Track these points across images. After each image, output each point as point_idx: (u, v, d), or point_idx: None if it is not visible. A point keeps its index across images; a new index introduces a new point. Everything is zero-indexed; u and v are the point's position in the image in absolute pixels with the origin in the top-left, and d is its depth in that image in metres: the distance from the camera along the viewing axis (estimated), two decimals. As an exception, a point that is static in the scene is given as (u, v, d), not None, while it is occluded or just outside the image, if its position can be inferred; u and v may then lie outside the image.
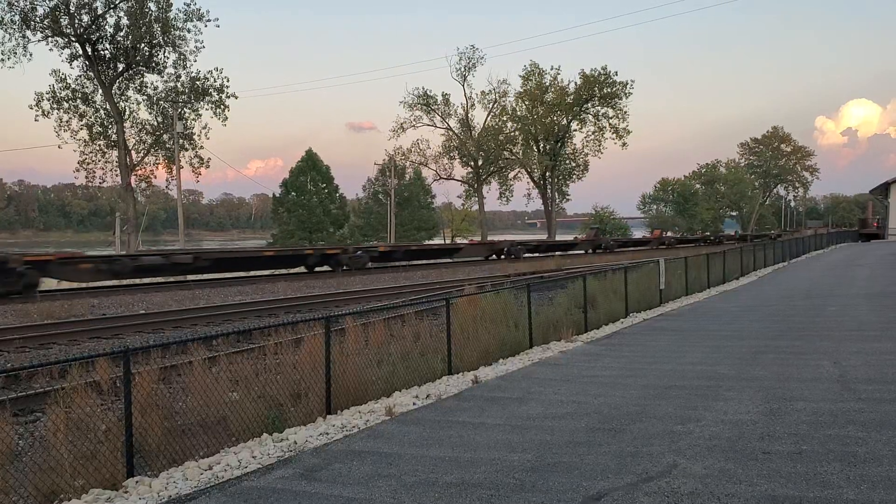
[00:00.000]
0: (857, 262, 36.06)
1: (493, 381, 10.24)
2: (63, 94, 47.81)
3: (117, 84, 48.68)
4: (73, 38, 46.20)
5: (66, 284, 28.40)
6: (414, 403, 8.98)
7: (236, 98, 52.18)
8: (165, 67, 49.52)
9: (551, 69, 78.92)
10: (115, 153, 49.02)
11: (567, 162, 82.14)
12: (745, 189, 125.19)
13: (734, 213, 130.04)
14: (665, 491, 5.62)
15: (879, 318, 15.62)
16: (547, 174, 79.37)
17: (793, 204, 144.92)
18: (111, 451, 6.56)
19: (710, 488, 5.64)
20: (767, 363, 10.88)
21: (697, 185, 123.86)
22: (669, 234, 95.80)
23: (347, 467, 6.47)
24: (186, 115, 50.48)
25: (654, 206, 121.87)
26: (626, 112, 77.56)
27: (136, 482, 6.29)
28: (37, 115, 47.50)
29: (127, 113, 49.56)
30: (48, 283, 27.42)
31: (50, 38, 46.01)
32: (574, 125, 79.28)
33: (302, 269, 37.60)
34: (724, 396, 8.78)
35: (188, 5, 48.56)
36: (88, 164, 49.95)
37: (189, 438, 7.52)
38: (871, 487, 5.58)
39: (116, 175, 49.81)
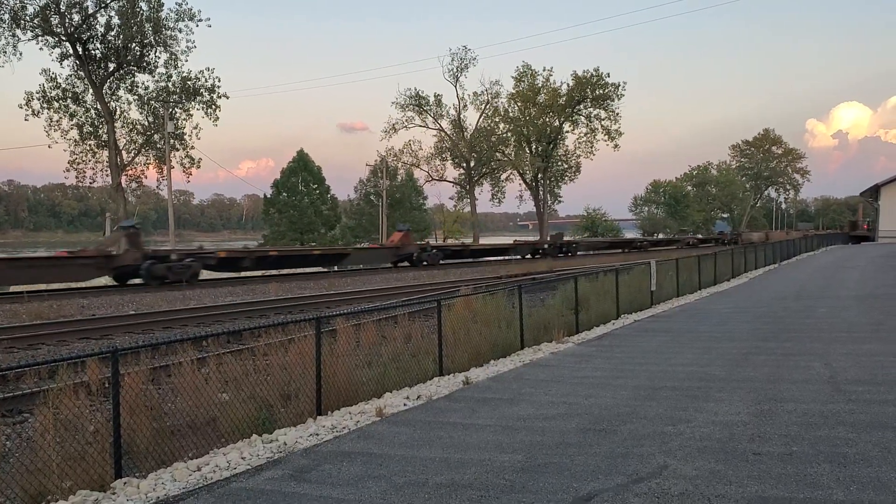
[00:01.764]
0: (848, 264, 36.22)
1: (485, 382, 10.23)
2: (53, 93, 47.69)
3: (108, 84, 48.57)
4: (64, 38, 46.05)
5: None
6: (405, 404, 8.96)
7: (227, 98, 52.28)
8: (157, 67, 49.50)
9: (544, 70, 79.13)
10: (106, 153, 48.93)
11: (559, 163, 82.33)
12: (737, 191, 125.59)
13: (725, 215, 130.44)
14: (655, 492, 5.61)
15: (869, 320, 15.68)
16: (539, 176, 79.54)
17: (784, 206, 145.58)
18: (99, 453, 6.51)
19: (701, 489, 5.64)
20: (758, 364, 10.90)
21: (689, 187, 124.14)
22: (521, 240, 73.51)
23: (337, 468, 6.45)
24: (177, 115, 50.40)
25: (646, 208, 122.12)
26: (618, 114, 77.89)
27: (125, 483, 6.25)
28: (27, 115, 47.40)
29: (118, 113, 49.45)
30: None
31: (40, 37, 45.88)
32: (566, 127, 79.53)
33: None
34: (715, 397, 8.79)
35: (180, 5, 48.59)
36: (79, 163, 49.85)
37: (178, 439, 7.48)
38: (861, 488, 5.59)
39: (107, 175, 49.74)
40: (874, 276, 28.39)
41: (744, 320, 16.30)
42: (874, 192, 75.28)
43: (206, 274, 32.97)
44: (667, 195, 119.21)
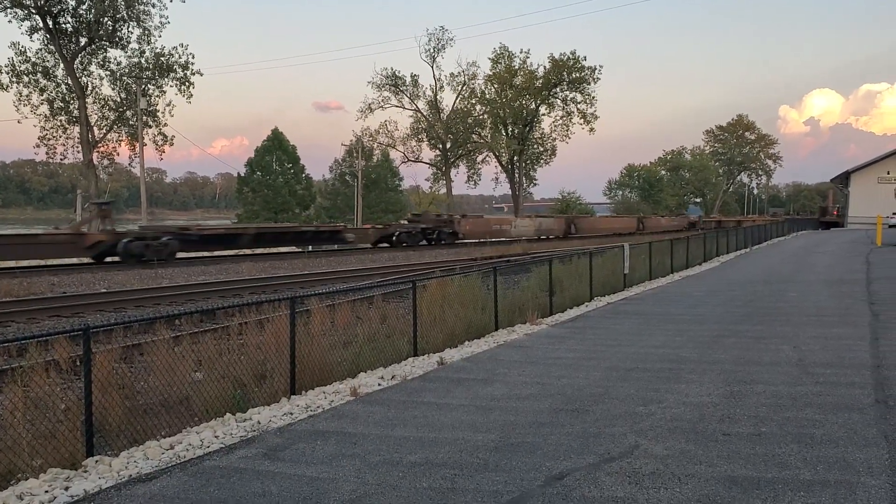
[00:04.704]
0: (818, 249, 36.71)
1: (459, 362, 10.27)
2: (23, 67, 46.74)
3: (80, 58, 47.70)
4: (34, 10, 45.10)
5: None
6: (379, 384, 8.97)
7: (201, 75, 51.53)
8: (129, 43, 48.64)
9: (521, 52, 79.24)
10: (77, 129, 48.14)
11: (535, 146, 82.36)
12: (710, 176, 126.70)
13: (698, 200, 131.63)
14: (627, 471, 5.69)
15: (838, 304, 15.92)
16: (515, 158, 79.55)
17: (756, 191, 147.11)
18: (71, 431, 6.47)
19: (671, 469, 5.72)
20: (729, 347, 11.04)
21: (663, 172, 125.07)
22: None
23: (311, 447, 6.45)
24: (150, 91, 49.67)
25: (620, 192, 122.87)
26: (593, 97, 77.99)
27: (96, 461, 6.21)
28: (-5, 89, 46.42)
29: (89, 88, 48.64)
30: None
31: (9, 10, 44.87)
32: (542, 109, 79.55)
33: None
34: (686, 379, 8.90)
35: (153, -21, 47.68)
36: (49, 139, 48.99)
37: (151, 418, 7.44)
38: (827, 468, 5.70)
39: (78, 152, 48.92)
40: (843, 261, 28.80)
41: (715, 303, 16.50)
42: (844, 179, 76.22)
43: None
44: (641, 179, 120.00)
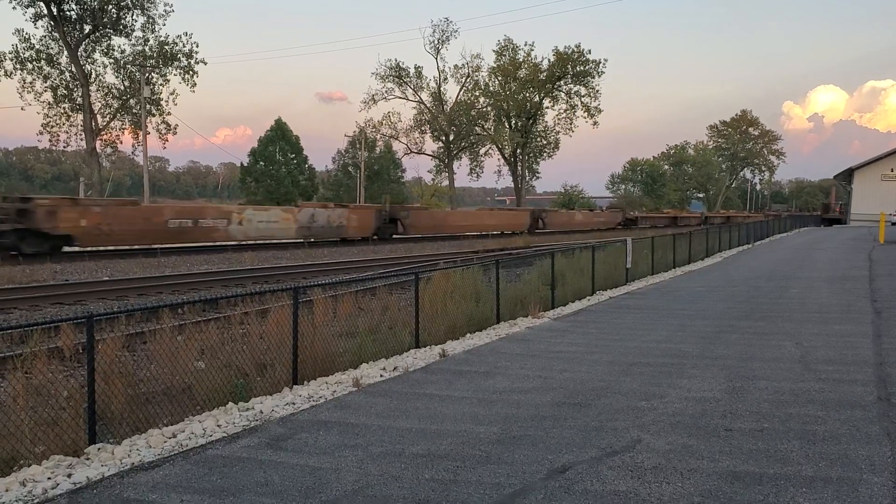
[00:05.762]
0: (820, 246, 36.63)
1: (461, 354, 10.27)
2: (27, 54, 46.83)
3: (83, 46, 47.71)
4: (38, -2, 45.07)
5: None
6: (381, 375, 8.98)
7: (205, 64, 51.81)
8: (133, 31, 48.74)
9: (525, 45, 79.30)
10: (80, 117, 48.20)
11: (538, 139, 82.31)
12: (713, 171, 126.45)
13: (701, 195, 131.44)
14: (629, 465, 5.69)
15: (840, 301, 15.89)
16: (518, 151, 79.52)
17: (758, 187, 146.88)
18: (73, 418, 6.47)
19: (673, 463, 5.72)
20: (731, 343, 11.03)
21: (666, 166, 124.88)
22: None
23: (314, 437, 6.46)
24: (154, 79, 49.71)
25: (623, 186, 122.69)
26: (598, 91, 77.97)
27: (99, 449, 6.22)
28: (-1, 76, 46.44)
29: (93, 76, 48.65)
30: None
31: (13, -3, 44.84)
32: (546, 102, 79.53)
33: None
34: (689, 374, 8.89)
35: (157, -33, 47.63)
36: (52, 127, 49.10)
37: (153, 406, 7.44)
38: (829, 465, 5.70)
39: (81, 139, 49.03)
40: (845, 257, 28.74)
41: (717, 299, 16.48)
42: (847, 176, 75.92)
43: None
44: (644, 174, 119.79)
